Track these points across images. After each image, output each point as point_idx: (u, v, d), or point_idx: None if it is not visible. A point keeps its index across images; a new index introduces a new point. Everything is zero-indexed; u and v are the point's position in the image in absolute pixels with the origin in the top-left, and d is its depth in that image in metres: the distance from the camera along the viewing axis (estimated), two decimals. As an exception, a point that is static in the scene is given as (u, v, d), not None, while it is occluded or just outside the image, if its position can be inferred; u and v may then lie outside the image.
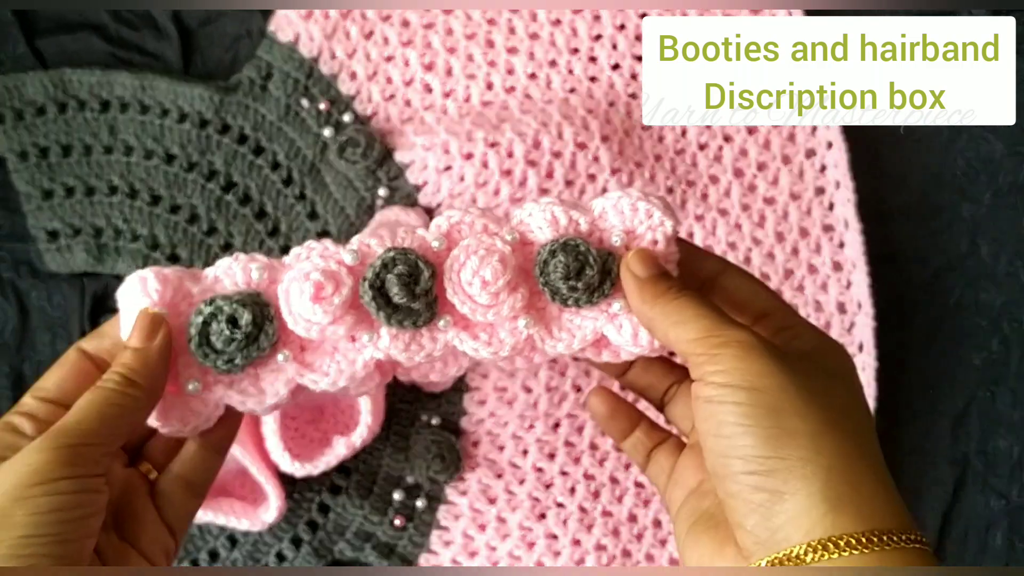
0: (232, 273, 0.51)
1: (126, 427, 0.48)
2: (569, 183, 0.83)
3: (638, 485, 0.84)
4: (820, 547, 0.41)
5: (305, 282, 0.49)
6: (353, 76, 0.86)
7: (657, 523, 0.83)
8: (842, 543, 0.41)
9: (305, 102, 0.85)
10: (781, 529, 0.43)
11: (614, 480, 0.84)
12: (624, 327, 0.50)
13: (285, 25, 0.85)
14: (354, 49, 0.86)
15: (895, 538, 0.42)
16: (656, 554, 0.83)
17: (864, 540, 0.41)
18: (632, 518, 0.83)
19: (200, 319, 0.49)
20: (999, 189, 0.88)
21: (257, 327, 0.49)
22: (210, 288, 0.51)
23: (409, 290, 0.49)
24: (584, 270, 0.49)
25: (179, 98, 0.85)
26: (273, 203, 0.85)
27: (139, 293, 0.50)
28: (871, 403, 0.82)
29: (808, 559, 0.42)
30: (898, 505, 0.44)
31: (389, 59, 0.87)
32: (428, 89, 0.87)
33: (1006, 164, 0.88)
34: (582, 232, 0.50)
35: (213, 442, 0.53)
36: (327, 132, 0.85)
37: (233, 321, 0.49)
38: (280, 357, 0.50)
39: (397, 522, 0.82)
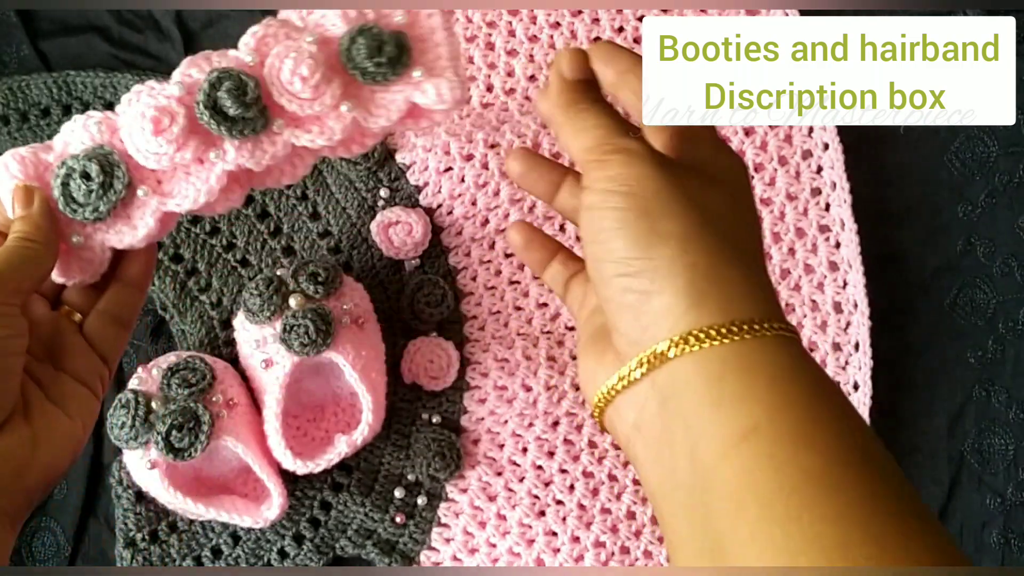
0: (76, 134, 0.56)
1: (31, 273, 0.54)
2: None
3: (636, 482, 0.84)
4: (682, 341, 0.42)
5: (143, 120, 0.53)
6: (354, 78, 0.87)
7: (655, 519, 0.84)
8: (702, 335, 0.42)
9: (307, 103, 0.86)
10: (649, 328, 0.44)
11: (612, 478, 0.84)
12: (428, 90, 0.55)
13: (287, 27, 0.86)
14: (355, 51, 0.87)
15: (756, 327, 0.42)
16: (654, 551, 0.83)
17: (724, 331, 0.42)
18: (630, 515, 0.84)
19: (59, 181, 0.55)
20: (994, 189, 0.89)
21: (107, 174, 0.54)
22: (64, 154, 0.56)
23: (241, 101, 0.53)
24: (383, 47, 0.54)
25: (182, 99, 0.85)
26: (276, 204, 0.86)
27: (5, 177, 0.56)
28: (866, 402, 0.83)
29: (671, 354, 0.42)
30: (765, 299, 0.44)
31: (390, 61, 0.87)
32: (429, 90, 0.87)
33: (1001, 164, 0.89)
34: (370, 18, 0.55)
35: (131, 279, 0.59)
36: (329, 133, 0.85)
37: (86, 175, 0.54)
38: (140, 192, 0.55)
39: (398, 519, 0.83)
